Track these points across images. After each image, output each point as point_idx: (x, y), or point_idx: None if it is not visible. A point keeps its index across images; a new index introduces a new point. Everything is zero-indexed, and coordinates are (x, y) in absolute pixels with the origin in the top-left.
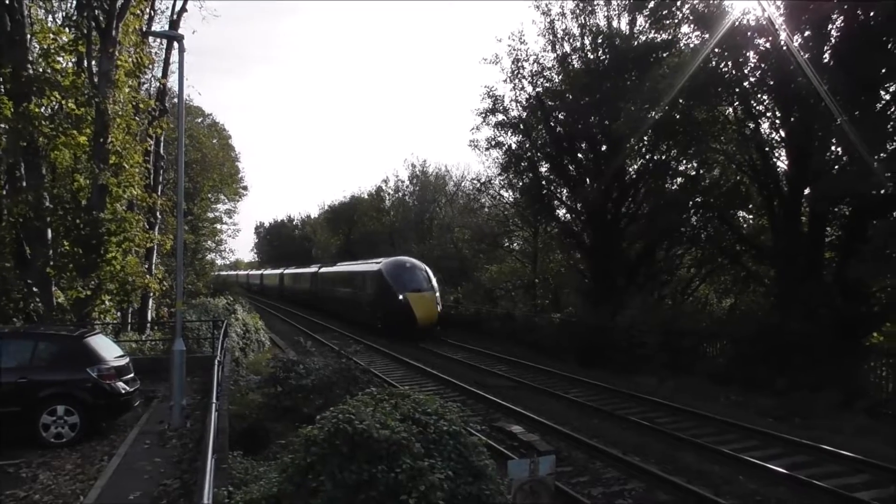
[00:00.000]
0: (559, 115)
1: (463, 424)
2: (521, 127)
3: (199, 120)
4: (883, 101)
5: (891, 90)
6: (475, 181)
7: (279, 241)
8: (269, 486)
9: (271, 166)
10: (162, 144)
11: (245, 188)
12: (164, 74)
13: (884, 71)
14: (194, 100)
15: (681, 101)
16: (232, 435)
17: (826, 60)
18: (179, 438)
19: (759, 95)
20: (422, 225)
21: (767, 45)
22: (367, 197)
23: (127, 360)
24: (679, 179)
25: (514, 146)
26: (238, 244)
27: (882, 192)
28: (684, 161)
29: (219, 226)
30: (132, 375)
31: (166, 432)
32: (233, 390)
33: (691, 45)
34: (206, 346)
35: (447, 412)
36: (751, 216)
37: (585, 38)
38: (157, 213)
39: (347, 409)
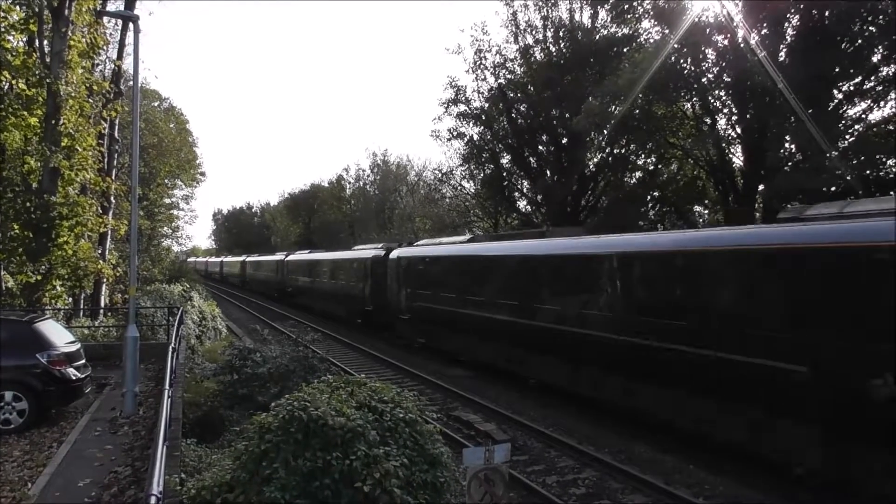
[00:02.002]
0: (521, 107)
1: (419, 412)
2: (483, 118)
3: (156, 104)
4: (836, 100)
5: (843, 89)
6: (437, 171)
7: (238, 228)
8: (223, 474)
9: (230, 153)
10: (117, 128)
11: (203, 174)
12: (120, 56)
13: (837, 70)
14: (151, 83)
15: (640, 96)
16: (186, 423)
17: (782, 59)
18: (132, 426)
19: (716, 92)
20: (382, 214)
21: (726, 42)
22: (327, 185)
23: (78, 346)
24: (638, 174)
25: (475, 137)
26: (195, 231)
27: (833, 189)
28: (643, 155)
29: (175, 212)
30: (83, 362)
31: (118, 420)
32: (188, 378)
33: (652, 41)
34: (160, 333)
35: (403, 400)
36: (707, 211)
37: (548, 30)
38: (112, 198)
39: (303, 396)
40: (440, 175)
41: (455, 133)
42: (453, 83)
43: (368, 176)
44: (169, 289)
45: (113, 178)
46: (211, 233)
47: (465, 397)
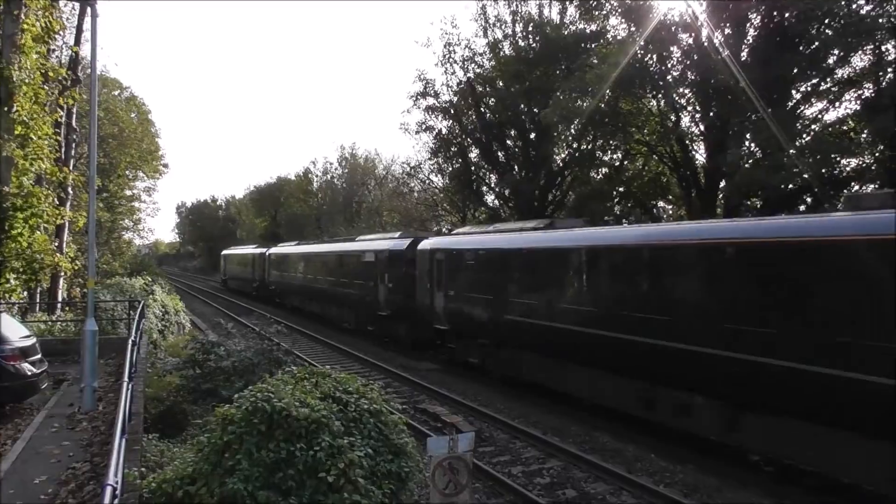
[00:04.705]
0: (490, 101)
1: (384, 403)
2: (452, 111)
3: (117, 93)
4: (794, 100)
5: (801, 89)
6: (405, 165)
7: (202, 221)
8: (184, 467)
9: (195, 146)
10: (75, 116)
11: (166, 166)
12: (77, 42)
13: (795, 71)
14: (111, 71)
15: (608, 92)
16: (148, 418)
17: (744, 58)
18: (90, 422)
19: (681, 89)
20: (350, 208)
21: (691, 40)
22: (294, 178)
23: (34, 340)
24: (604, 169)
25: (444, 131)
26: (158, 224)
27: (791, 186)
28: (609, 151)
29: (137, 204)
30: (39, 357)
31: (76, 415)
32: (150, 373)
33: (619, 38)
34: (121, 327)
35: (369, 391)
36: (670, 206)
37: (517, 24)
38: (69, 189)
39: (266, 387)
40: (408, 168)
41: (424, 126)
42: (422, 76)
43: (336, 169)
44: (130, 282)
45: (70, 168)
46: (174, 226)
47: (433, 390)
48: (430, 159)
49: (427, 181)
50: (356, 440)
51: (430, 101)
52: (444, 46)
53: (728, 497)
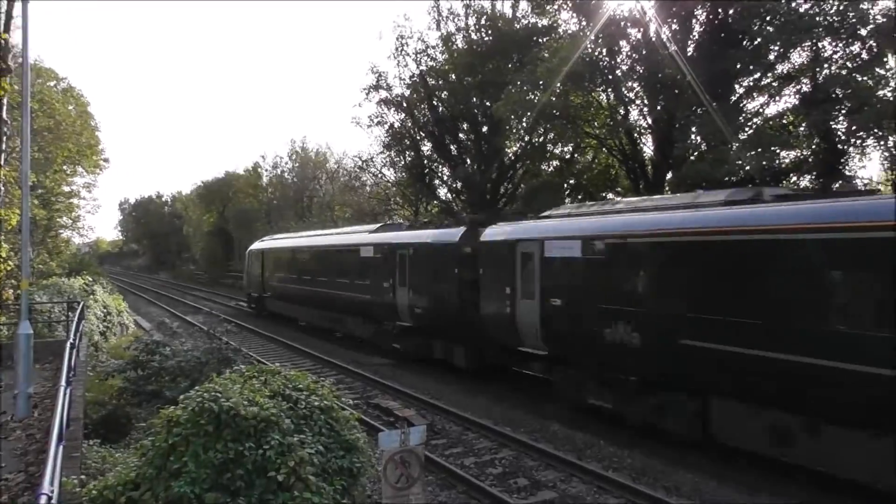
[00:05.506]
0: (442, 95)
1: (335, 399)
2: (405, 105)
3: (52, 83)
4: (737, 94)
5: (744, 84)
6: (357, 158)
7: (147, 218)
8: (127, 472)
9: (139, 141)
10: (5, 108)
11: (106, 160)
12: (7, 29)
13: (739, 66)
14: (45, 61)
15: (559, 85)
16: (89, 423)
17: (690, 53)
18: (25, 430)
19: (629, 83)
20: (301, 203)
21: (639, 35)
22: (243, 173)
23: None
24: (555, 162)
25: (396, 124)
26: (99, 221)
27: (734, 178)
28: (560, 144)
29: (76, 201)
30: None
31: (9, 423)
32: (91, 376)
33: (570, 32)
34: (59, 329)
35: (319, 388)
36: (619, 198)
37: (470, 18)
38: (1, 185)
39: (214, 387)
40: (360, 162)
41: (376, 120)
42: (375, 69)
43: (286, 163)
44: (69, 283)
45: (1, 163)
46: (117, 223)
47: (385, 385)
48: (382, 153)
49: (379, 175)
50: (307, 437)
51: (383, 94)
52: (397, 39)
53: (674, 479)
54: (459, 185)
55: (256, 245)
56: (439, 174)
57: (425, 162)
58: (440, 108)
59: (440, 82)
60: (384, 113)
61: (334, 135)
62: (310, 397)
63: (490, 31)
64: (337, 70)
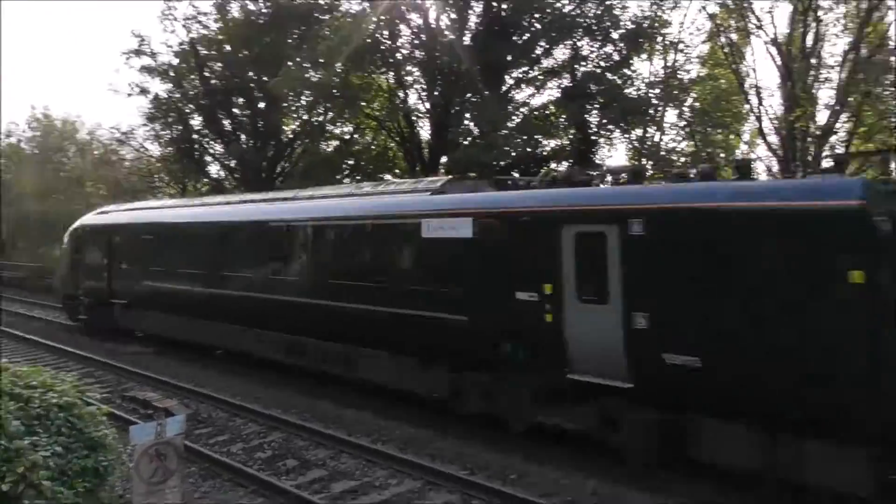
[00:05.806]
0: (215, 66)
1: (79, 395)
2: (172, 74)
3: None
4: (508, 85)
5: (513, 76)
6: (115, 130)
7: None
8: None
9: None
10: None
11: None
12: None
13: (510, 58)
14: None
15: (340, 65)
16: None
17: (467, 43)
18: None
19: (409, 67)
20: (44, 177)
21: (420, 21)
22: None
23: None
24: (334, 142)
25: (162, 95)
26: None
27: (502, 163)
28: (340, 124)
29: None
30: None
31: None
32: None
33: (353, 11)
34: None
35: (58, 383)
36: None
37: None
38: None
39: None
40: (119, 134)
41: (138, 88)
42: (136, 32)
43: (24, 132)
44: None
45: None
46: None
47: (143, 375)
48: (144, 125)
49: (142, 149)
50: (41, 439)
51: (146, 60)
52: (164, 1)
53: (437, 445)
54: (233, 162)
55: (97, 219)
56: (210, 150)
57: (195, 137)
58: (213, 81)
59: (213, 52)
60: (147, 81)
61: (89, 101)
62: (45, 394)
63: (269, 3)
64: (92, 28)
